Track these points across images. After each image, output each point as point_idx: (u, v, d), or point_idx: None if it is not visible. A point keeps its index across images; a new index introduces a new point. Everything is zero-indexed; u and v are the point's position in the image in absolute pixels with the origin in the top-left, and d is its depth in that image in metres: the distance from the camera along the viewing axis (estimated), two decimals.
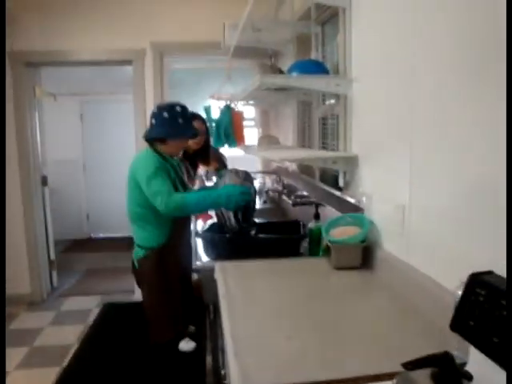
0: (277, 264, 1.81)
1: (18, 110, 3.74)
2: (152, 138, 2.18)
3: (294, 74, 2.00)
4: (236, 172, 2.31)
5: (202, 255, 2.04)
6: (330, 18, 2.42)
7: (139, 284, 2.36)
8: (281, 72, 2.36)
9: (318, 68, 2.02)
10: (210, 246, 2.07)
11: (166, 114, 2.12)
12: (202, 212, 2.21)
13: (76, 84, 5.72)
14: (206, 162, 3.24)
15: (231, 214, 2.11)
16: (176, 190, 2.13)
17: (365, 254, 1.70)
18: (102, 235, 6.34)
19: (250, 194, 2.08)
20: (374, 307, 1.39)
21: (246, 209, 2.13)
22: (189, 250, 2.32)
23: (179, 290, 2.31)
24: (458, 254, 1.17)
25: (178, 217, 2.16)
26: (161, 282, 2.22)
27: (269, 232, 2.27)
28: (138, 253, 2.27)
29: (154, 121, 2.17)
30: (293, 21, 2.76)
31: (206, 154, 3.12)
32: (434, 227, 1.29)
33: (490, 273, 0.98)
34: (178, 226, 2.26)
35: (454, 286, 1.00)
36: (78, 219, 6.31)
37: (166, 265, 2.22)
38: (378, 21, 1.65)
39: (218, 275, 1.70)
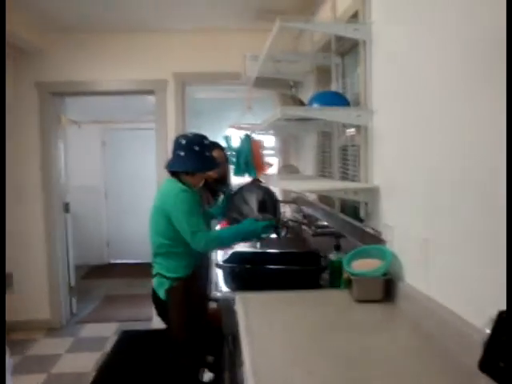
0: (297, 296, 1.79)
1: (43, 138, 3.86)
2: (182, 171, 2.20)
3: (315, 106, 2.02)
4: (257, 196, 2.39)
5: (221, 285, 2.02)
6: (350, 50, 2.45)
7: (163, 315, 2.32)
8: (301, 103, 2.38)
9: (338, 100, 2.04)
10: (230, 277, 2.06)
11: (196, 148, 2.15)
12: (232, 244, 2.31)
13: (99, 112, 5.88)
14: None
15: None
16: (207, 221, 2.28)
17: (387, 287, 1.67)
18: (121, 261, 6.38)
19: (273, 226, 2.16)
20: (397, 343, 1.36)
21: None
22: (206, 280, 2.32)
23: (202, 319, 2.35)
24: (484, 290, 1.14)
25: None
26: (189, 311, 2.24)
27: (289, 262, 2.26)
28: (163, 284, 2.24)
29: (182, 153, 2.17)
30: (313, 52, 2.81)
31: (225, 183, 3.14)
32: (459, 262, 1.26)
33: None
34: (200, 257, 2.29)
35: (481, 322, 0.97)
36: (98, 245, 6.37)
37: (192, 294, 2.24)
38: (397, 53, 1.67)
39: (238, 306, 1.69)
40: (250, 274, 2.01)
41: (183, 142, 2.19)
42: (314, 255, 2.27)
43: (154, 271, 2.32)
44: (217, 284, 2.04)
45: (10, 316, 3.81)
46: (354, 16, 2.05)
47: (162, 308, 2.30)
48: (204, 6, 3.30)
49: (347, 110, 1.92)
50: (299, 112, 1.95)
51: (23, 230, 3.94)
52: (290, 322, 1.54)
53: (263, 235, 2.13)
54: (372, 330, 1.47)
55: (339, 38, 2.46)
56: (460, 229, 1.26)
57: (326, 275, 2.03)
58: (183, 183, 2.18)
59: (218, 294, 1.89)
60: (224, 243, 2.20)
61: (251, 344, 1.34)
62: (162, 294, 2.25)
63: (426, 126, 1.44)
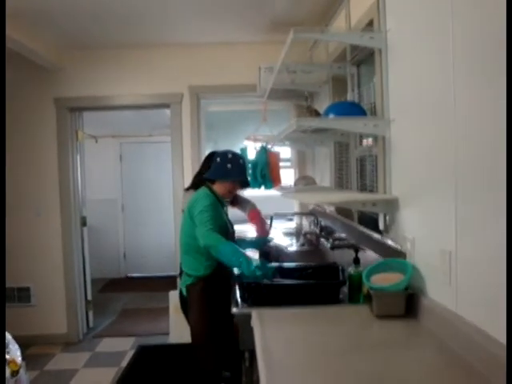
0: (315, 312, 1.73)
1: (60, 153, 3.90)
2: (205, 178, 2.50)
3: (331, 116, 1.99)
4: None
5: (238, 300, 1.98)
6: (366, 59, 2.42)
7: (186, 313, 2.48)
8: (317, 113, 2.35)
9: (355, 109, 2.00)
10: (247, 292, 2.02)
11: (218, 159, 2.45)
12: (225, 262, 2.24)
13: (116, 126, 5.94)
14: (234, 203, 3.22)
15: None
16: (226, 228, 2.41)
17: (408, 302, 1.61)
18: (138, 275, 6.38)
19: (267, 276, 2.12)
20: (420, 361, 1.29)
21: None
22: (229, 288, 2.32)
23: (223, 323, 2.39)
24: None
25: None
26: (208, 307, 2.37)
27: (307, 276, 2.21)
28: (186, 281, 2.43)
29: (210, 165, 2.51)
30: (328, 62, 2.78)
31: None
32: (484, 274, 1.20)
33: None
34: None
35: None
36: (115, 258, 6.39)
37: (211, 293, 2.37)
38: (413, 60, 1.63)
39: (254, 323, 1.64)
40: (266, 290, 1.97)
41: (213, 156, 2.53)
42: (332, 268, 2.21)
43: (180, 270, 2.52)
44: (235, 299, 2.00)
45: (28, 330, 3.85)
46: (369, 24, 2.02)
47: (184, 304, 2.49)
48: (219, 20, 3.31)
49: (364, 119, 1.88)
50: (315, 123, 1.92)
51: (41, 243, 3.96)
52: (308, 339, 1.49)
53: (255, 274, 2.08)
54: (393, 348, 1.40)
55: (354, 48, 2.43)
56: (485, 240, 1.20)
57: (345, 289, 1.98)
58: (214, 193, 2.44)
59: (235, 310, 1.85)
60: (222, 251, 2.15)
61: (267, 362, 1.29)
62: (184, 290, 2.45)
63: (445, 134, 1.39)
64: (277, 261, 2.71)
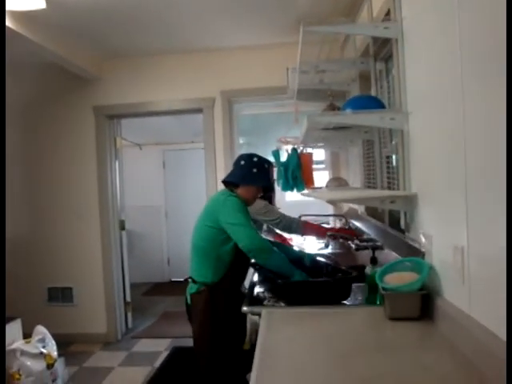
0: (327, 312, 1.67)
1: (100, 159, 4.06)
2: (226, 181, 2.34)
3: (348, 111, 1.92)
4: None
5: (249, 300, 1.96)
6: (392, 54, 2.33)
7: (191, 320, 2.34)
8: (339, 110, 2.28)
9: (372, 103, 1.92)
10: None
11: (242, 162, 2.31)
12: (274, 269, 2.13)
13: (159, 134, 6.09)
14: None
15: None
16: None
17: (424, 304, 1.50)
18: (181, 279, 6.46)
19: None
20: (426, 368, 1.18)
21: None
22: (239, 299, 2.22)
23: (229, 335, 2.20)
24: None
25: (238, 260, 2.19)
26: (211, 319, 2.19)
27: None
28: (191, 288, 2.29)
29: (233, 168, 2.37)
30: (354, 59, 2.70)
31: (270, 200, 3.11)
32: (496, 273, 1.10)
33: None
34: (233, 270, 2.24)
35: None
36: (159, 263, 6.54)
37: (217, 304, 2.19)
38: (428, 50, 1.54)
39: (262, 322, 1.60)
40: (279, 289, 1.92)
41: (236, 159, 2.40)
42: (344, 271, 2.11)
43: (188, 275, 2.35)
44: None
45: (69, 329, 4.01)
46: (388, 14, 1.94)
47: (189, 313, 2.33)
48: (248, 24, 3.35)
49: (380, 112, 1.79)
50: (328, 118, 1.85)
51: (83, 246, 4.12)
52: (312, 341, 1.42)
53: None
54: (403, 353, 1.30)
55: (381, 42, 2.34)
56: (494, 235, 1.09)
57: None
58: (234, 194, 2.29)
59: (245, 309, 1.81)
60: (267, 255, 2.08)
61: (262, 361, 1.25)
62: (188, 298, 2.30)
63: (455, 127, 1.29)
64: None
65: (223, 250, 2.18)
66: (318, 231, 3.06)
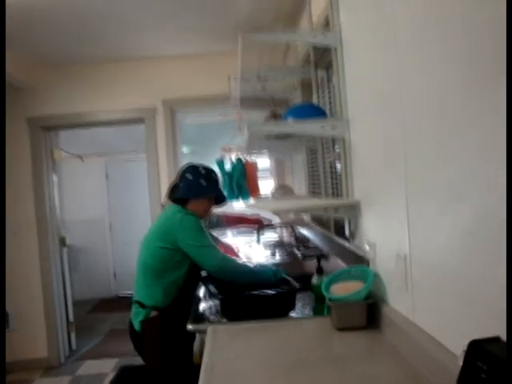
0: (273, 325, 1.63)
1: (35, 173, 3.83)
2: (176, 199, 2.23)
3: (289, 119, 1.90)
4: None
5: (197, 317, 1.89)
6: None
7: (138, 348, 2.17)
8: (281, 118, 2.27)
9: (314, 111, 1.92)
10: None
11: (188, 175, 2.21)
12: (244, 283, 2.09)
13: (101, 145, 5.90)
14: None
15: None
16: None
17: (370, 312, 1.50)
18: (129, 293, 6.25)
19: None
20: (371, 378, 1.17)
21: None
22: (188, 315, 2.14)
23: (182, 354, 2.11)
24: (465, 312, 0.97)
25: (190, 281, 2.15)
26: (166, 346, 2.07)
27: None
28: (139, 313, 2.12)
29: (179, 182, 2.24)
30: (295, 67, 2.71)
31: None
32: (436, 277, 1.10)
33: (495, 340, 0.79)
34: (185, 291, 2.15)
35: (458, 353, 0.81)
36: (105, 278, 6.29)
37: (171, 329, 2.06)
38: (365, 57, 1.55)
39: (207, 340, 1.54)
40: (224, 304, 1.86)
41: (180, 172, 2.29)
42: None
43: (133, 299, 2.20)
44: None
45: (7, 357, 3.71)
46: (327, 22, 1.94)
47: (137, 341, 2.15)
48: (188, 32, 3.29)
49: (320, 121, 1.79)
50: (269, 128, 1.83)
51: (19, 265, 3.85)
52: (256, 355, 1.38)
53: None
54: (349, 363, 1.28)
55: (322, 50, 2.35)
56: (444, 243, 1.08)
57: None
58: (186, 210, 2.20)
59: (190, 327, 1.74)
60: (238, 273, 2.08)
61: (207, 381, 1.19)
62: (137, 325, 2.12)
63: (393, 133, 1.30)
64: None
65: (179, 273, 2.10)
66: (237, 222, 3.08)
